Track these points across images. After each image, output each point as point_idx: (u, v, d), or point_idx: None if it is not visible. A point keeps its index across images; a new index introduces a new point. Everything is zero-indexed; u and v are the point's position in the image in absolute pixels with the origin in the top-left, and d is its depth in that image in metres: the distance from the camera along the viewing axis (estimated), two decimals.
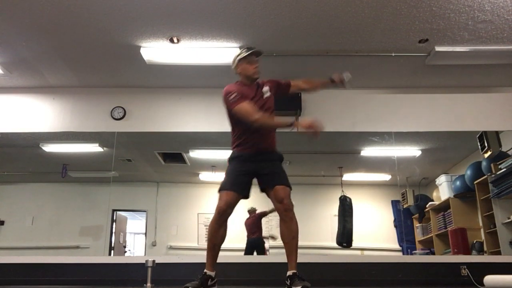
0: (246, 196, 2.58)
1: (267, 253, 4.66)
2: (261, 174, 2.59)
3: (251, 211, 4.80)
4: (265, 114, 2.57)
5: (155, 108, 4.69)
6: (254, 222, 4.78)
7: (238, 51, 2.72)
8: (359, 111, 4.65)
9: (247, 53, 2.64)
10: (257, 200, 2.70)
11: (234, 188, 2.52)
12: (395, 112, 4.64)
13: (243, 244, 4.69)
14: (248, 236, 4.74)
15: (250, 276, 3.78)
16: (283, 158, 2.72)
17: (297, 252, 2.48)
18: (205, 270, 2.47)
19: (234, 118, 2.62)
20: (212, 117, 4.61)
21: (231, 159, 2.65)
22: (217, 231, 2.49)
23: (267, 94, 2.70)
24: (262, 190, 2.63)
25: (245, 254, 4.63)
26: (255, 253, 4.69)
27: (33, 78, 4.53)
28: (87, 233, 4.81)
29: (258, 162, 2.59)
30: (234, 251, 4.56)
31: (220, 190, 2.54)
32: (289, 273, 2.43)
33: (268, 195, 2.60)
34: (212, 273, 2.47)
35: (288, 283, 2.40)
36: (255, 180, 2.63)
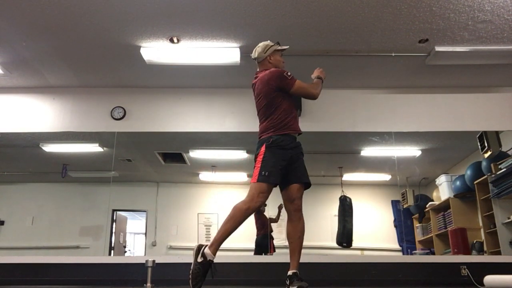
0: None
1: (272, 251, 4.62)
2: (291, 164, 2.53)
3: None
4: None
5: (155, 108, 4.70)
6: (257, 220, 4.75)
7: (266, 42, 2.84)
8: (359, 111, 4.66)
9: (284, 47, 2.82)
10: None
11: (278, 182, 2.48)
12: (395, 112, 4.64)
13: (244, 244, 4.68)
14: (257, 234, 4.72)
15: (250, 276, 3.78)
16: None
17: (300, 252, 2.48)
18: (209, 259, 2.34)
19: (280, 100, 2.60)
20: (212, 117, 4.62)
21: (272, 144, 2.51)
22: (244, 220, 2.40)
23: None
24: (280, 183, 2.54)
25: (254, 254, 4.60)
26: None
27: (33, 78, 4.53)
28: (87, 233, 4.81)
29: (294, 149, 2.57)
30: (236, 251, 4.56)
31: (263, 181, 2.41)
32: (289, 272, 2.43)
33: (281, 189, 2.56)
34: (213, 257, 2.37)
35: (287, 282, 2.40)
36: None
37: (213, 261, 2.35)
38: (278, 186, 2.56)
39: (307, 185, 2.60)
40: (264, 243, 4.61)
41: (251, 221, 4.69)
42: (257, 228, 4.71)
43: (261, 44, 2.82)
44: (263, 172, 2.43)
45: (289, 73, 2.63)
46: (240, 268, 3.84)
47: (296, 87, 2.62)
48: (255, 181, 2.43)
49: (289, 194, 2.51)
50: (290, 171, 2.54)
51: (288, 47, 2.85)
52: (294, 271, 2.43)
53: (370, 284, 3.75)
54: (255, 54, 2.82)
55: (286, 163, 2.51)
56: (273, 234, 4.73)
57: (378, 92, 4.72)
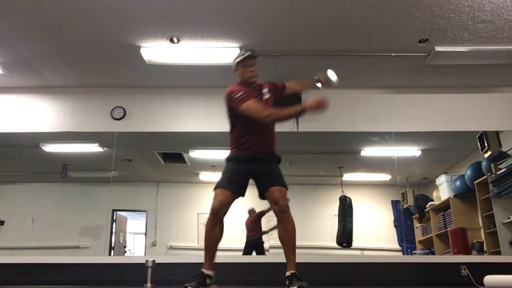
0: (241, 194, 2.59)
1: (267, 253, 4.66)
2: (257, 175, 2.59)
3: (251, 211, 4.80)
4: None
5: (155, 108, 4.69)
6: (253, 222, 4.79)
7: (238, 52, 2.75)
8: (359, 111, 4.65)
9: (242, 57, 2.67)
10: (257, 200, 2.69)
11: (229, 187, 2.53)
12: (395, 112, 4.64)
13: (242, 244, 4.69)
14: (247, 236, 4.74)
15: (250, 276, 3.78)
16: (281, 159, 2.72)
17: (295, 252, 2.48)
18: (202, 269, 2.47)
19: (234, 118, 2.63)
20: (212, 117, 4.61)
21: (228, 159, 2.66)
22: (212, 230, 2.50)
23: (267, 96, 2.72)
24: (261, 194, 2.63)
25: (244, 253, 4.62)
26: (254, 253, 4.68)
27: (33, 78, 4.53)
28: (87, 233, 4.82)
29: (254, 163, 2.59)
30: (234, 251, 4.56)
31: (215, 188, 2.56)
32: (287, 273, 2.44)
33: (266, 198, 2.61)
34: (210, 272, 2.47)
35: (287, 283, 2.41)
36: (252, 181, 2.64)
37: (211, 275, 2.47)
38: (262, 196, 2.63)
39: (266, 189, 2.59)
40: (260, 244, 4.64)
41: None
42: (252, 229, 4.74)
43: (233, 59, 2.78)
44: (218, 180, 2.60)
45: (238, 94, 2.55)
46: (240, 268, 3.84)
47: (242, 109, 2.53)
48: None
49: (271, 198, 2.54)
50: (261, 181, 2.60)
51: (245, 56, 2.66)
52: (292, 271, 2.43)
53: (370, 284, 3.75)
54: None
55: (246, 174, 2.59)
56: (273, 234, 4.74)
57: (378, 92, 4.72)
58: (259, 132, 2.61)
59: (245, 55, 2.66)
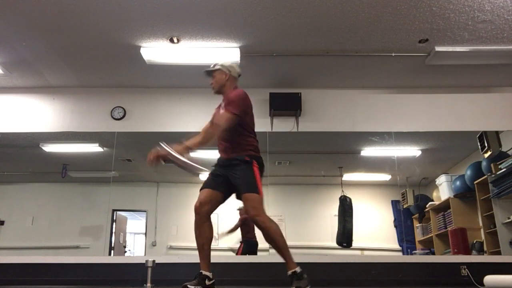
0: (221, 190, 2.58)
1: (267, 253, 4.63)
2: (230, 181, 2.58)
3: (241, 210, 4.72)
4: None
5: (155, 108, 4.69)
6: (243, 224, 4.73)
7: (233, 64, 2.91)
8: (359, 111, 4.66)
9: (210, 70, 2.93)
10: None
11: (206, 186, 2.60)
12: (395, 112, 4.64)
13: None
14: (244, 237, 4.69)
15: (250, 276, 3.78)
16: (249, 159, 2.55)
17: (285, 253, 2.44)
18: (201, 270, 2.47)
19: None
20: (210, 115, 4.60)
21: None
22: (200, 230, 2.52)
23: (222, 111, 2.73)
24: (238, 198, 2.62)
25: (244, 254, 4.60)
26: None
27: (33, 78, 4.53)
28: (87, 233, 4.81)
29: (224, 168, 2.62)
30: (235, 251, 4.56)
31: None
32: (288, 273, 2.44)
33: None
34: (208, 273, 2.46)
35: (290, 283, 2.41)
36: None
37: (209, 276, 2.47)
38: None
39: (239, 195, 2.58)
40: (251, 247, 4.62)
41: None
42: (249, 231, 4.71)
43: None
44: None
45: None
46: (240, 268, 3.84)
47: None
48: None
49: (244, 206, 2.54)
50: (232, 187, 2.59)
51: (206, 70, 2.96)
52: (292, 270, 2.42)
53: (370, 284, 3.75)
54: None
55: (222, 175, 2.61)
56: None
57: (378, 92, 4.72)
58: (221, 138, 2.68)
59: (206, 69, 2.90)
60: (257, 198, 2.46)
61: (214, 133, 2.63)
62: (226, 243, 4.58)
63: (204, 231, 2.52)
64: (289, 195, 4.87)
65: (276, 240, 2.44)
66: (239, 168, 2.53)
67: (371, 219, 5.04)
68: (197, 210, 2.54)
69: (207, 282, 2.42)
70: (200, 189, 2.63)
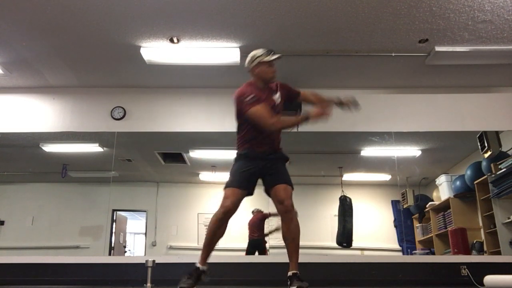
0: (251, 193, 2.57)
1: (268, 253, 4.66)
2: (266, 173, 2.57)
3: (257, 211, 4.77)
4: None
5: (155, 108, 4.69)
6: (255, 223, 4.77)
7: (257, 51, 2.64)
8: (359, 111, 4.64)
9: (272, 58, 2.61)
10: (259, 200, 2.69)
11: (242, 186, 2.50)
12: (395, 112, 4.64)
13: (244, 244, 4.69)
14: (250, 236, 4.73)
15: (250, 276, 3.78)
16: (288, 158, 2.70)
17: (298, 252, 2.48)
18: (198, 265, 2.43)
19: (243, 119, 2.60)
20: (212, 117, 4.61)
21: (238, 157, 2.62)
22: (220, 228, 2.46)
23: (278, 100, 2.66)
24: (266, 190, 2.61)
25: (247, 254, 4.62)
26: (256, 253, 4.68)
27: (33, 78, 4.53)
28: (87, 233, 4.82)
29: (264, 161, 2.57)
30: (235, 251, 4.56)
31: (226, 187, 2.50)
32: (289, 273, 2.44)
33: (270, 195, 2.59)
34: (205, 267, 2.44)
35: (288, 283, 2.41)
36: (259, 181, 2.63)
37: (205, 270, 2.43)
38: (268, 193, 2.61)
39: (272, 186, 2.58)
40: (262, 245, 4.63)
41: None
42: (255, 230, 4.73)
43: (251, 53, 2.68)
44: (228, 180, 2.55)
45: (249, 97, 2.51)
46: (240, 268, 3.84)
47: (249, 113, 2.50)
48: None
49: (276, 197, 2.52)
50: (268, 179, 2.58)
51: (277, 56, 2.63)
52: (294, 271, 2.43)
53: (370, 284, 3.75)
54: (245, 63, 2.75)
55: (256, 172, 2.55)
56: (275, 234, 4.72)
57: (378, 92, 4.72)
58: (268, 132, 2.60)
59: (275, 56, 2.62)
60: (292, 193, 2.55)
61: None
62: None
63: (221, 231, 2.48)
64: None
65: (297, 237, 2.49)
66: (284, 163, 2.66)
67: (371, 219, 5.05)
68: (228, 210, 2.45)
69: (203, 278, 2.41)
70: (231, 186, 2.50)
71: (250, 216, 4.83)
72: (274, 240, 4.66)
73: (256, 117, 2.49)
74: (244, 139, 2.63)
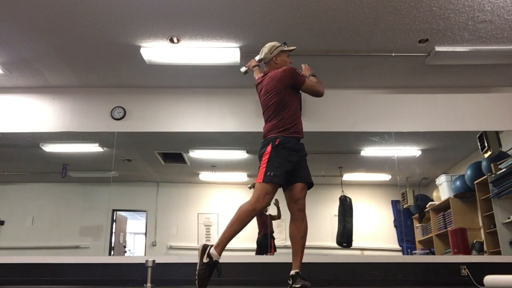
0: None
1: (273, 251, 4.61)
2: (297, 167, 2.54)
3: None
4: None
5: (155, 108, 4.69)
6: (258, 220, 4.72)
7: (275, 42, 2.96)
8: (359, 111, 4.66)
9: (291, 48, 2.94)
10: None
11: (283, 182, 2.49)
12: (395, 112, 4.64)
13: (245, 244, 4.67)
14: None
15: (250, 276, 3.78)
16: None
17: (303, 252, 2.48)
18: (216, 259, 2.36)
19: (290, 99, 2.65)
20: (212, 117, 4.62)
21: (278, 145, 2.51)
22: (249, 222, 2.41)
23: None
24: (284, 184, 2.54)
25: (256, 254, 4.59)
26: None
27: (33, 78, 4.53)
28: (87, 233, 4.81)
29: (299, 152, 2.59)
30: (237, 251, 4.55)
31: (268, 182, 2.41)
32: (292, 272, 2.44)
33: (285, 189, 2.57)
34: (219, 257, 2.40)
35: (290, 282, 2.41)
36: None
37: (218, 261, 2.38)
38: (284, 187, 2.58)
39: (310, 185, 2.61)
40: (265, 243, 4.60)
41: (253, 221, 4.67)
42: (258, 227, 4.71)
43: (268, 45, 2.92)
44: (268, 173, 2.42)
45: (300, 71, 2.81)
46: (241, 268, 3.84)
47: (307, 84, 2.73)
48: (260, 181, 2.43)
49: (292, 194, 2.51)
50: (294, 171, 2.53)
51: (295, 47, 2.95)
52: (297, 270, 2.43)
53: (370, 284, 3.75)
54: (261, 55, 2.94)
55: (293, 165, 2.50)
56: (274, 234, 4.72)
57: (378, 92, 4.72)
58: (301, 120, 2.72)
59: (293, 47, 2.95)
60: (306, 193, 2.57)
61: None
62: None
63: (245, 225, 2.44)
64: None
65: (305, 236, 2.50)
66: (305, 157, 2.69)
67: (371, 219, 5.04)
68: (264, 206, 2.43)
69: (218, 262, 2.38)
70: (274, 182, 2.42)
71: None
72: (277, 240, 4.66)
73: (312, 86, 2.75)
74: (289, 122, 2.58)
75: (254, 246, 4.63)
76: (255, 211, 2.39)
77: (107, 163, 4.64)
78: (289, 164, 2.48)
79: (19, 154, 5.08)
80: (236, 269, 3.75)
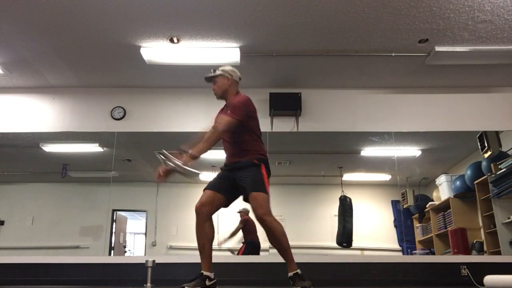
0: (225, 194, 2.61)
1: (267, 253, 4.62)
2: (237, 183, 2.60)
3: (242, 212, 4.67)
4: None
5: (155, 108, 4.69)
6: (244, 226, 4.71)
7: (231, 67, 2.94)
8: (359, 111, 4.66)
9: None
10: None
11: (210, 187, 2.65)
12: (395, 112, 4.64)
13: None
14: (253, 238, 4.67)
15: (250, 276, 3.78)
16: (258, 162, 2.60)
17: (288, 255, 2.45)
18: (202, 271, 2.46)
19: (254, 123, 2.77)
20: (211, 117, 4.60)
21: (266, 163, 2.66)
22: (200, 230, 2.54)
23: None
24: (244, 199, 2.61)
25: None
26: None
27: (33, 78, 4.53)
28: (87, 233, 4.81)
29: (232, 171, 2.65)
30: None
31: (267, 195, 2.53)
32: (290, 274, 2.43)
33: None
34: (209, 274, 2.45)
35: (291, 283, 2.41)
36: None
37: (210, 276, 2.48)
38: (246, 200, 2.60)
39: (246, 197, 2.57)
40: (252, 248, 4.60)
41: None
42: (251, 232, 4.69)
43: (232, 67, 2.93)
44: (266, 190, 2.54)
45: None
46: (240, 268, 3.84)
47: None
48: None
49: (250, 206, 2.53)
50: (240, 189, 2.60)
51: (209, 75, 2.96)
52: (294, 271, 2.42)
53: (370, 284, 3.75)
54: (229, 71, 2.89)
55: (228, 179, 2.67)
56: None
57: (378, 92, 4.72)
58: (228, 142, 2.75)
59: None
60: (264, 197, 2.47)
61: (212, 136, 2.65)
62: (227, 244, 4.58)
63: (204, 232, 2.53)
64: (289, 195, 4.86)
65: (281, 240, 2.45)
66: (248, 169, 2.58)
67: (371, 219, 5.04)
68: (198, 210, 2.58)
69: (207, 283, 2.42)
70: (204, 189, 2.68)
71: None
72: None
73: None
74: (261, 143, 2.72)
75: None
76: (196, 216, 2.63)
77: (107, 163, 4.64)
78: (218, 176, 2.79)
79: (19, 154, 5.08)
80: (235, 269, 3.75)
